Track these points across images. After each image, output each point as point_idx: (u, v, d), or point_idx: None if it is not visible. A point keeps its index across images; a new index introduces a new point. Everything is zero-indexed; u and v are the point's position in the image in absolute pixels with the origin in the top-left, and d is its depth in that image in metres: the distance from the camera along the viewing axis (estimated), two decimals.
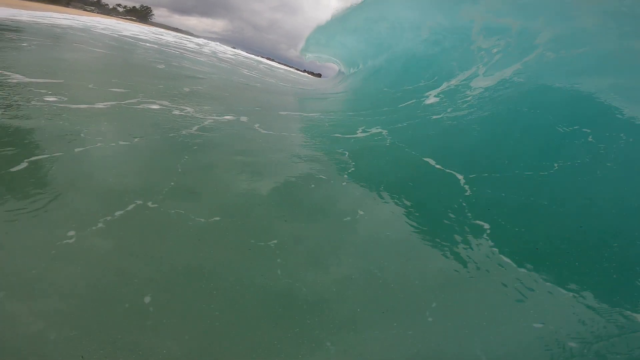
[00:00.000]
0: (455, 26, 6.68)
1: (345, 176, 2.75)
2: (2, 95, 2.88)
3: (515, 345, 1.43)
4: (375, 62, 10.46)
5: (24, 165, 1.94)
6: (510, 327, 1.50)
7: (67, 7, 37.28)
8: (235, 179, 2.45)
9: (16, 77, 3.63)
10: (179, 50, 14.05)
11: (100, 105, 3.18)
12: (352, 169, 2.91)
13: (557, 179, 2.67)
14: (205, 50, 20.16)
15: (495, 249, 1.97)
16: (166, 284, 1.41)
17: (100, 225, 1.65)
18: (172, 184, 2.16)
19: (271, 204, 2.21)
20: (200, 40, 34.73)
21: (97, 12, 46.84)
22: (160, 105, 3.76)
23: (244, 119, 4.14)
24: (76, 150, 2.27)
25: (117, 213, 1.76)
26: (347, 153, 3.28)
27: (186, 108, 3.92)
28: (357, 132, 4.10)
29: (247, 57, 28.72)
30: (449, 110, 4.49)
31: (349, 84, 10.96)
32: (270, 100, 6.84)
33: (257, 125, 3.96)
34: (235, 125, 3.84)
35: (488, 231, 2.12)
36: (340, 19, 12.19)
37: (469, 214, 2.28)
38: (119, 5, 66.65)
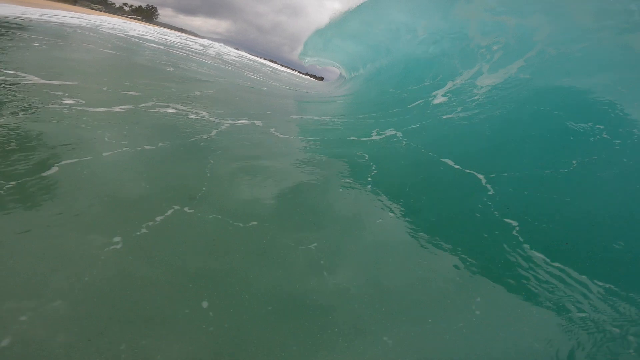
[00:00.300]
0: (451, 25, 6.75)
1: (369, 179, 2.82)
2: (20, 97, 2.91)
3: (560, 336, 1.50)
4: (375, 65, 10.53)
5: (54, 169, 1.96)
6: (554, 319, 1.58)
7: (74, 5, 37.55)
8: (261, 184, 2.50)
9: (31, 79, 3.66)
10: (184, 51, 14.13)
11: (118, 109, 3.21)
12: (375, 171, 2.98)
13: (577, 176, 2.73)
14: (210, 51, 20.28)
15: (526, 245, 2.04)
16: (216, 287, 1.42)
17: (143, 230, 1.67)
18: (204, 189, 2.20)
19: (302, 208, 2.26)
20: (205, 41, 34.95)
21: (104, 11, 47.17)
22: (175, 109, 3.80)
23: (258, 123, 4.20)
24: (104, 154, 2.30)
25: (158, 218, 1.79)
26: (366, 156, 3.34)
27: (201, 112, 3.97)
28: (372, 134, 4.15)
29: (250, 60, 28.88)
30: (458, 109, 4.51)
31: (352, 86, 11.05)
32: (279, 104, 6.89)
33: (272, 129, 4.02)
34: (252, 129, 3.90)
35: (517, 228, 2.19)
36: (338, 23, 12.31)
37: (496, 213, 2.36)
38: (125, 4, 67.16)
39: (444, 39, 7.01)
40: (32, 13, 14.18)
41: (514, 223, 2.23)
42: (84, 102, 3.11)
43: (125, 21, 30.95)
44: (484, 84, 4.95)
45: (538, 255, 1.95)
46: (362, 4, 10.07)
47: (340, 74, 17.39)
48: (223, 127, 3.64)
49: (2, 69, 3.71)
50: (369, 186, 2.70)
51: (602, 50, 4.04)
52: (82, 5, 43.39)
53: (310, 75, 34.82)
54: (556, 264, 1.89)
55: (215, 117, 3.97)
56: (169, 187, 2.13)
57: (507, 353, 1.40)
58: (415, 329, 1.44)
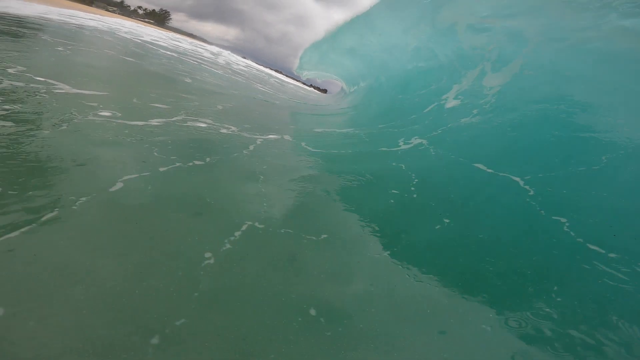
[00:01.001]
0: (443, 30, 6.86)
1: (413, 189, 2.96)
2: (58, 107, 3.01)
3: None
4: (376, 74, 10.68)
5: (120, 185, 2.02)
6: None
7: (91, 5, 38.39)
8: (316, 197, 2.65)
9: (63, 87, 3.77)
10: (196, 59, 14.41)
11: (153, 123, 3.31)
12: (416, 180, 3.13)
13: (609, 171, 2.83)
14: (220, 60, 20.66)
15: (580, 239, 2.18)
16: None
17: (227, 245, 1.76)
18: (265, 205, 2.31)
19: (365, 220, 2.40)
20: (214, 48, 35.65)
21: (119, 13, 48.16)
22: (205, 123, 3.92)
23: (287, 137, 4.36)
24: (161, 169, 2.38)
25: (236, 233, 1.88)
26: (402, 166, 3.49)
27: (230, 127, 4.11)
28: (400, 144, 4.30)
29: (258, 70, 29.40)
30: (474, 112, 4.57)
31: (358, 97, 11.20)
32: (298, 118, 7.06)
33: (303, 143, 4.18)
34: (284, 144, 4.04)
35: (567, 224, 2.32)
36: (333, 36, 12.47)
37: (542, 212, 2.48)
38: (139, 7, 68.71)
39: (439, 42, 7.13)
40: (53, 13, 14.49)
41: (563, 219, 2.37)
42: (119, 114, 3.21)
43: (139, 25, 31.58)
44: (491, 84, 4.96)
45: (593, 249, 2.09)
46: (354, 17, 10.44)
47: (342, 86, 17.33)
48: (257, 142, 3.80)
49: (33, 76, 3.82)
50: (415, 195, 2.85)
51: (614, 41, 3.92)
52: (98, 6, 44.36)
53: (315, 88, 35.32)
54: (612, 255, 2.02)
55: (244, 131, 4.11)
56: (233, 204, 2.23)
57: None
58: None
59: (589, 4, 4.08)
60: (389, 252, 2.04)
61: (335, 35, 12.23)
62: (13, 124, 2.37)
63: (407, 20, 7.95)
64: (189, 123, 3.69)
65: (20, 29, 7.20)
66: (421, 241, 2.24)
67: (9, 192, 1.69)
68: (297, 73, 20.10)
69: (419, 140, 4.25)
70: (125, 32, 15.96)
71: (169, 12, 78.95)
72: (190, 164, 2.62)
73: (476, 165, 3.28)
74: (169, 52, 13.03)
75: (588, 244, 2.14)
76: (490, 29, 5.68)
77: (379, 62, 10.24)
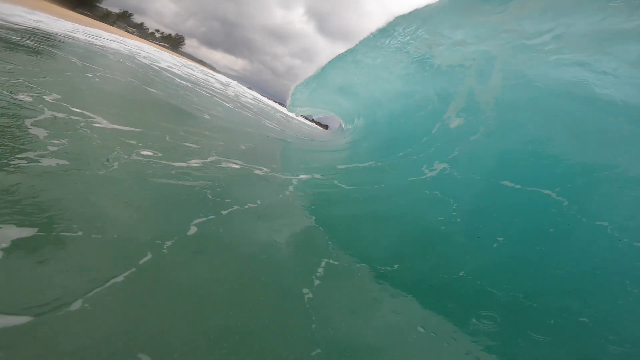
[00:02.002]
0: (421, 51, 7.04)
1: (454, 213, 3.13)
2: (102, 144, 3.12)
3: None
4: (370, 105, 10.75)
5: (194, 229, 2.13)
6: None
7: (113, 25, 40.34)
8: (374, 233, 2.85)
9: (100, 121, 3.93)
10: (209, 91, 14.95)
11: (194, 164, 3.46)
12: (454, 205, 3.28)
13: (633, 169, 2.81)
14: (229, 92, 21.48)
15: (626, 239, 2.34)
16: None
17: (308, 295, 1.88)
18: (331, 243, 2.51)
19: (419, 253, 2.61)
20: (222, 78, 37.33)
21: (137, 34, 50.55)
22: (238, 164, 4.11)
23: (317, 175, 4.57)
24: (223, 212, 2.53)
25: (319, 270, 2.05)
26: (438, 193, 3.63)
27: (262, 167, 4.32)
28: (425, 171, 4.42)
29: (265, 104, 30.65)
30: (481, 129, 4.57)
31: (362, 129, 11.24)
32: (317, 156, 7.33)
33: (335, 181, 4.36)
34: (319, 183, 4.25)
35: (609, 227, 2.48)
36: (323, 72, 12.51)
37: (584, 219, 2.62)
38: (157, 30, 72.43)
39: (421, 66, 7.35)
40: (79, 32, 15.17)
41: (605, 223, 2.51)
42: (160, 154, 3.33)
43: (155, 49, 33.05)
44: (485, 99, 4.92)
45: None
46: (339, 55, 10.81)
47: (340, 121, 17.02)
48: (294, 182, 3.99)
49: (70, 107, 3.98)
50: (459, 219, 3.04)
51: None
52: (119, 26, 46.60)
53: (316, 123, 36.46)
54: None
55: (276, 172, 4.32)
56: (304, 241, 2.46)
57: None
58: None
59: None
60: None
61: (325, 70, 12.41)
62: (68, 162, 2.45)
63: (386, 52, 8.40)
64: (224, 164, 3.87)
65: (51, 49, 7.51)
66: (487, 262, 2.39)
67: (92, 235, 1.73)
68: (290, 111, 19.44)
69: (441, 165, 4.35)
70: (144, 57, 16.67)
71: (183, 37, 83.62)
72: (246, 206, 2.78)
73: (503, 183, 3.37)
74: (184, 82, 13.54)
75: (635, 243, 2.30)
76: (466, 48, 5.76)
77: (370, 94, 10.57)
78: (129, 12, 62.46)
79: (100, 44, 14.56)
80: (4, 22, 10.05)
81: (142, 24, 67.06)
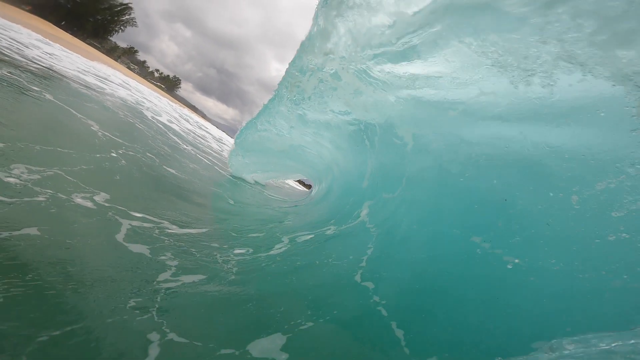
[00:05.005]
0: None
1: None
2: (179, 245, 2.59)
3: None
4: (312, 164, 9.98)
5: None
6: None
7: (117, 61, 40.82)
8: None
9: (171, 227, 3.44)
10: (211, 157, 14.51)
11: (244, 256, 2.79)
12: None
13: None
14: (225, 153, 21.27)
15: None
16: None
17: None
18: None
19: None
20: (215, 131, 37.78)
21: (138, 72, 51.32)
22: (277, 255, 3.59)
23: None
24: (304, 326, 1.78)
25: None
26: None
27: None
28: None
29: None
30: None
31: (330, 186, 10.11)
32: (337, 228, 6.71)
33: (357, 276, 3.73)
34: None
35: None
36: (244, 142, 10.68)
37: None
38: (157, 70, 74.42)
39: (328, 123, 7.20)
40: (90, 72, 14.80)
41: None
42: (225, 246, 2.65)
43: (155, 93, 33.30)
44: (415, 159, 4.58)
45: None
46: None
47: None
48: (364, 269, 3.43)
49: (128, 210, 3.52)
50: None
51: None
52: (123, 61, 47.30)
53: (300, 182, 36.02)
54: None
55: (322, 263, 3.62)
56: None
57: None
58: None
59: None
60: None
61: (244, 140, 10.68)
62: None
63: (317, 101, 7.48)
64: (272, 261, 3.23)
65: (70, 108, 6.84)
66: None
67: None
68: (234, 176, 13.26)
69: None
70: (148, 108, 16.37)
71: (180, 80, 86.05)
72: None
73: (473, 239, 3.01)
74: (189, 147, 13.08)
75: None
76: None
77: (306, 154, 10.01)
78: (135, 48, 64.67)
79: (109, 89, 14.20)
80: (22, 59, 9.47)
81: (144, 61, 68.96)
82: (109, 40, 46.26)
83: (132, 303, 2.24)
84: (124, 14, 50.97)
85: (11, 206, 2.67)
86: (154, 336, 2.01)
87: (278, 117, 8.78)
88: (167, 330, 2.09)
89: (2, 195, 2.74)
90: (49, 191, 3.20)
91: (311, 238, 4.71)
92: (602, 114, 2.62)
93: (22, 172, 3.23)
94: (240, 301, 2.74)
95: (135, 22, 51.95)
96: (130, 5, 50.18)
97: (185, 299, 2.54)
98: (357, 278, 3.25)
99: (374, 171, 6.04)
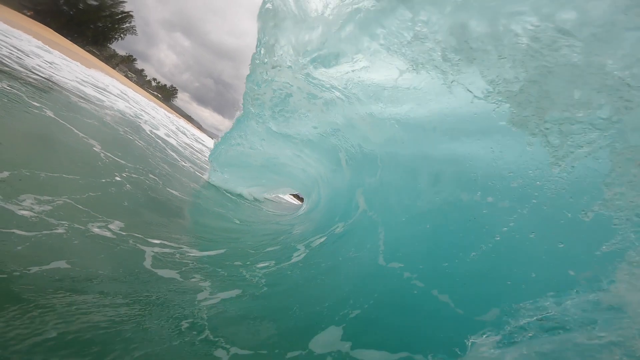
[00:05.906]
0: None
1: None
2: (205, 267, 2.79)
3: None
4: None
5: None
6: None
7: (114, 69, 40.63)
8: None
9: (192, 251, 3.43)
10: (203, 170, 14.16)
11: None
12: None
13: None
14: None
15: None
16: None
17: None
18: None
19: None
20: (209, 141, 37.45)
21: (135, 81, 51.15)
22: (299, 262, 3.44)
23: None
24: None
25: None
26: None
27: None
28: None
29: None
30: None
31: (318, 198, 10.05)
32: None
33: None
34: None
35: None
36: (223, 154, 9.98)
37: None
38: (154, 79, 74.30)
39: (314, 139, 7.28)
40: (89, 83, 14.59)
41: None
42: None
43: (153, 104, 33.10)
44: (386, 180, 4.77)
45: None
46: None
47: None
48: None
49: (166, 242, 3.43)
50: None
51: None
52: (121, 69, 47.11)
53: (294, 196, 35.51)
54: None
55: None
56: None
57: None
58: None
59: None
60: None
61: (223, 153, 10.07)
62: None
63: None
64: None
65: (72, 127, 6.59)
66: None
67: None
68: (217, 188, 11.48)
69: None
70: (146, 122, 16.12)
71: (176, 90, 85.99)
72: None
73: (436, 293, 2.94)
74: (187, 164, 12.80)
75: None
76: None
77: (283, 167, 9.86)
78: (133, 56, 64.68)
79: (109, 102, 13.98)
80: (22, 69, 9.23)
81: (142, 70, 68.91)
82: (108, 47, 46.15)
83: (185, 324, 2.25)
84: (125, 22, 51.29)
85: (33, 240, 2.51)
86: (220, 352, 2.03)
87: (248, 131, 8.83)
88: (228, 346, 2.12)
89: (21, 229, 2.57)
90: (65, 222, 3.01)
91: (325, 240, 4.82)
92: None
93: (33, 204, 3.01)
94: (282, 308, 2.79)
95: (135, 30, 52.32)
96: (131, 13, 50.64)
97: (230, 314, 2.59)
98: (381, 261, 3.32)
99: (348, 160, 6.53)
